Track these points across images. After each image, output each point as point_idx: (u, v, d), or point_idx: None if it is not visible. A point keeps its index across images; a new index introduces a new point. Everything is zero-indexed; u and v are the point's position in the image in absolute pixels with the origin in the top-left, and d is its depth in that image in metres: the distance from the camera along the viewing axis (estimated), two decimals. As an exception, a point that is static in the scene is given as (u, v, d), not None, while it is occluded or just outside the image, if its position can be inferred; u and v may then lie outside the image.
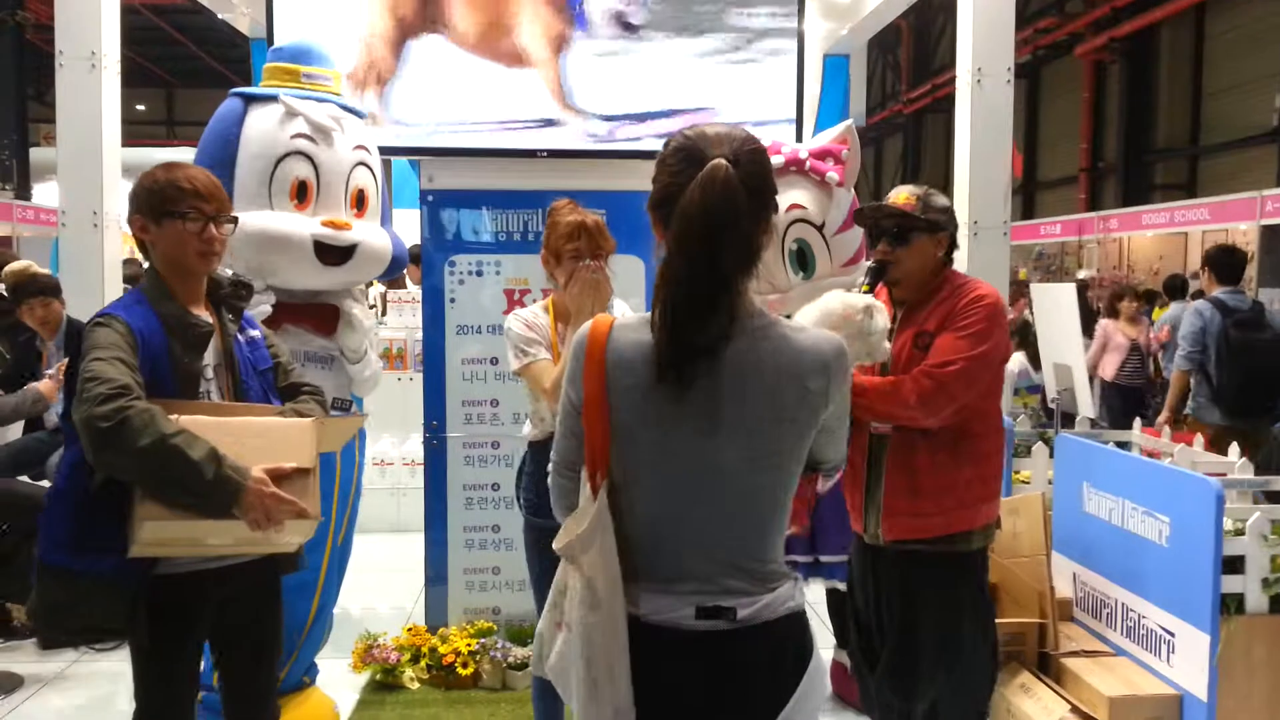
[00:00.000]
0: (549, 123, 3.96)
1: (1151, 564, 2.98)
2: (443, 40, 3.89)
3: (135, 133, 20.37)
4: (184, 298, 2.22)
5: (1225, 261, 5.49)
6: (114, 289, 4.57)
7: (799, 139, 3.91)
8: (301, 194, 3.26)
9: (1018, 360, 6.56)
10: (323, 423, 2.25)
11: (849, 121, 3.46)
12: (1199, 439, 4.17)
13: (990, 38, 4.58)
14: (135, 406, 1.94)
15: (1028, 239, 15.63)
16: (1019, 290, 9.39)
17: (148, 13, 18.40)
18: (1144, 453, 3.91)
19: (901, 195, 2.57)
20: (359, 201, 3.42)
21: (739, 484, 1.55)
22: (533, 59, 3.92)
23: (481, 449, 4.08)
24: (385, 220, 3.58)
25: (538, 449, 2.81)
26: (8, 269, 4.57)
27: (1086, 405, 4.86)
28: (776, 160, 3.24)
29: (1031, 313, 6.52)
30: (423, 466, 4.15)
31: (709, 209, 1.48)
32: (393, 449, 6.16)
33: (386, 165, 3.73)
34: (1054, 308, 5.08)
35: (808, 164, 3.32)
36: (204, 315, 2.24)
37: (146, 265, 2.26)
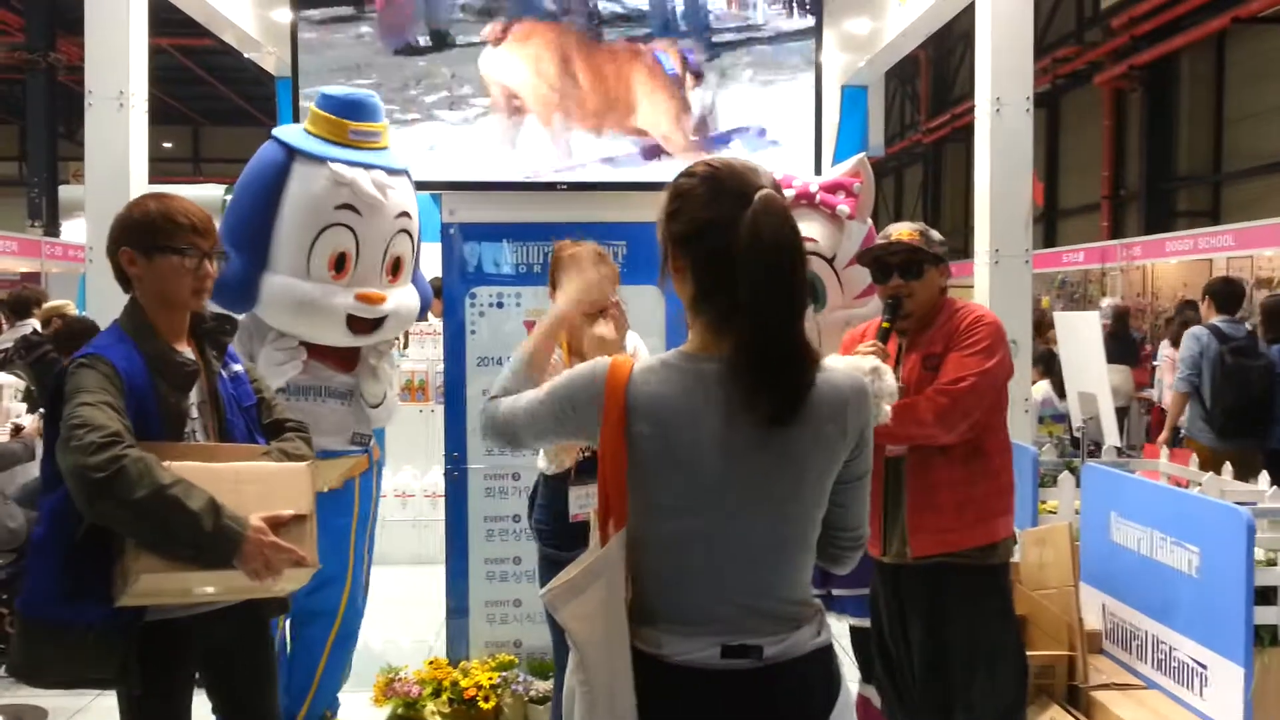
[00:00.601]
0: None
1: (1182, 595, 2.93)
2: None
3: (162, 170, 20.69)
4: (168, 334, 2.14)
5: (1225, 291, 5.86)
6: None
7: (817, 170, 3.91)
8: (340, 265, 3.21)
9: (1042, 389, 6.52)
10: (317, 466, 2.20)
11: (861, 154, 3.48)
12: (1194, 459, 4.29)
13: (1009, 67, 4.59)
14: (130, 455, 1.87)
15: (1050, 267, 15.55)
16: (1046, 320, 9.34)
17: (175, 53, 18.74)
18: (1172, 481, 3.86)
19: (905, 231, 2.69)
20: (394, 268, 3.37)
21: (766, 526, 1.52)
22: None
23: (502, 480, 4.07)
24: (415, 268, 3.54)
25: (551, 482, 2.89)
26: (46, 306, 4.63)
27: (1112, 433, 4.81)
28: (787, 194, 3.27)
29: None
30: (444, 498, 4.15)
31: (781, 241, 1.45)
32: (414, 481, 6.17)
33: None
34: (1078, 336, 5.06)
35: (818, 197, 3.35)
36: (187, 351, 2.17)
37: (128, 299, 2.17)
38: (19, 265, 14.41)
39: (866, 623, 2.98)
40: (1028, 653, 3.09)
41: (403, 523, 5.98)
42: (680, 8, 3.92)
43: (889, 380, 2.42)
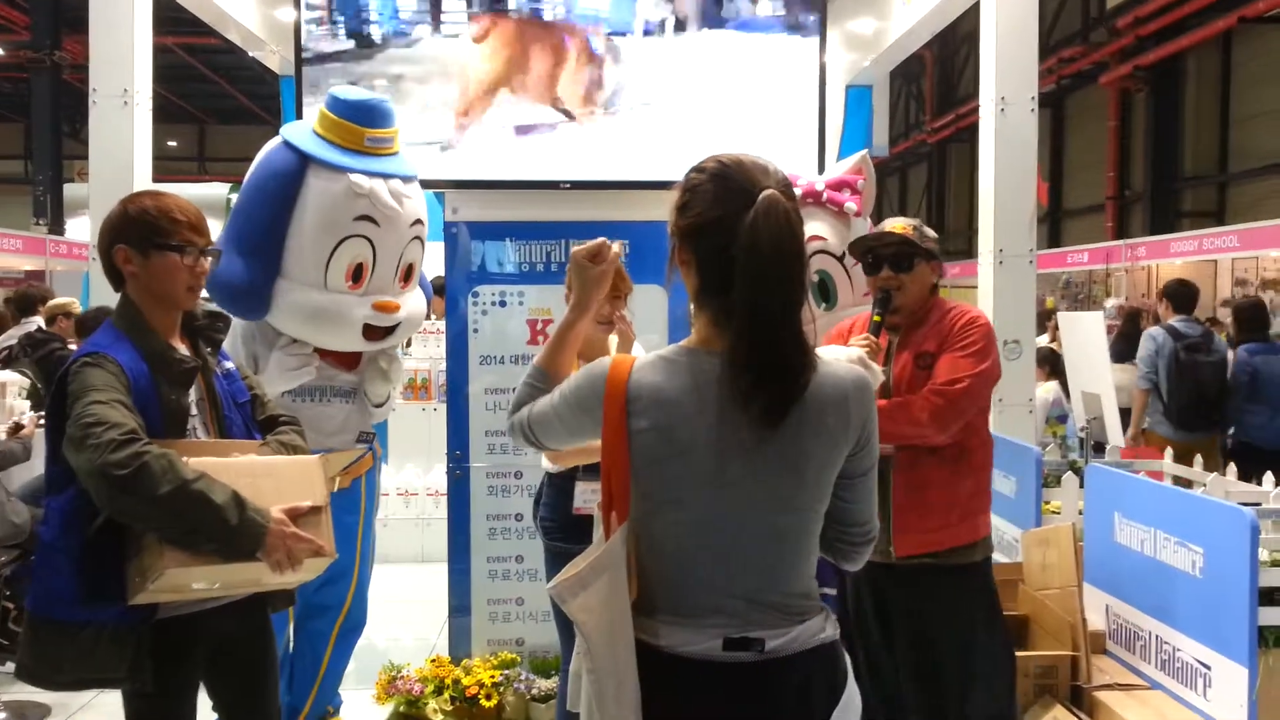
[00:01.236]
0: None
1: (1185, 595, 2.93)
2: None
3: (167, 168, 20.77)
4: (164, 332, 2.14)
5: (1180, 293, 6.24)
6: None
7: (821, 170, 3.91)
8: (357, 275, 3.20)
9: (1052, 389, 6.53)
10: (327, 458, 2.23)
11: (864, 151, 3.47)
12: (1169, 452, 4.45)
13: (1013, 67, 4.58)
14: (151, 452, 1.87)
15: (1055, 267, 15.55)
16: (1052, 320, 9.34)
17: (180, 51, 18.76)
18: (1175, 481, 3.86)
19: (898, 225, 2.70)
20: (407, 275, 3.37)
21: (766, 520, 1.53)
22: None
23: (505, 479, 4.07)
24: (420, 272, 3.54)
25: (556, 480, 2.95)
26: (50, 304, 4.64)
27: (1116, 434, 4.81)
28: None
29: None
30: (446, 497, 4.16)
31: (780, 244, 1.46)
32: (417, 479, 6.17)
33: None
34: (1082, 336, 5.06)
35: (825, 195, 3.36)
36: (182, 349, 2.17)
37: (119, 297, 2.17)
38: (24, 263, 14.48)
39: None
40: (1030, 653, 3.11)
41: (405, 521, 5.99)
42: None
43: (875, 370, 2.41)
